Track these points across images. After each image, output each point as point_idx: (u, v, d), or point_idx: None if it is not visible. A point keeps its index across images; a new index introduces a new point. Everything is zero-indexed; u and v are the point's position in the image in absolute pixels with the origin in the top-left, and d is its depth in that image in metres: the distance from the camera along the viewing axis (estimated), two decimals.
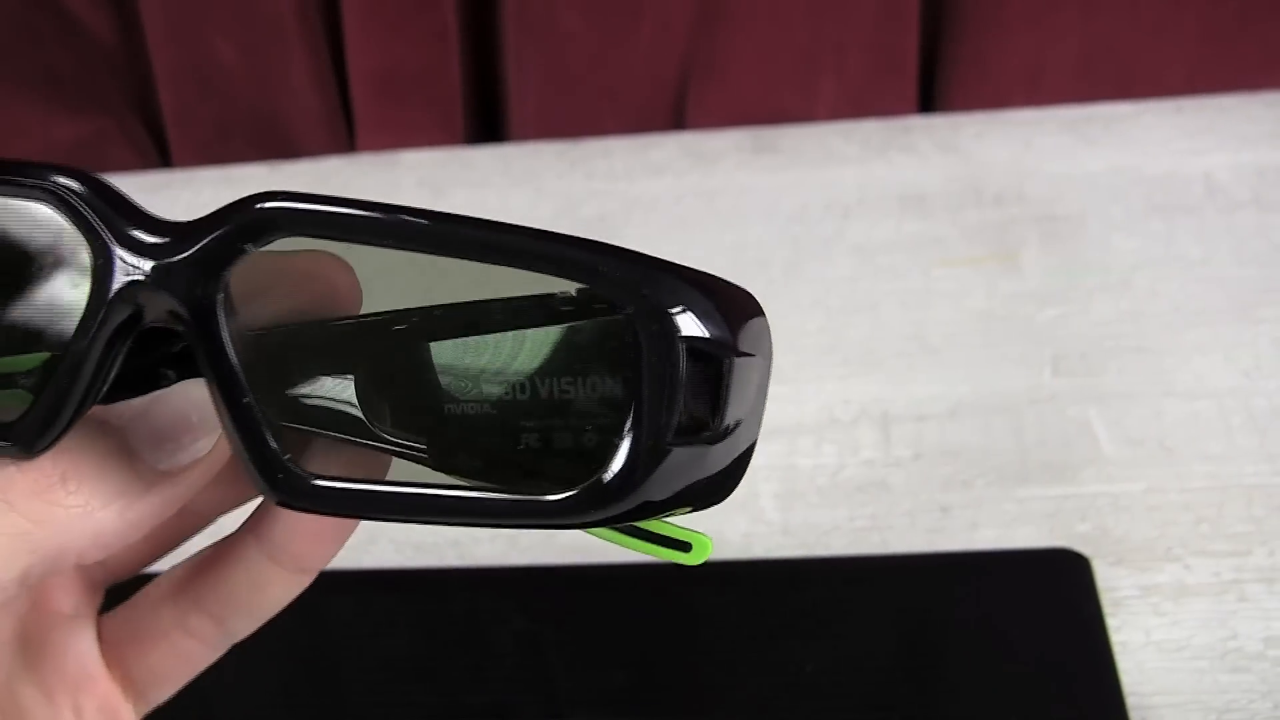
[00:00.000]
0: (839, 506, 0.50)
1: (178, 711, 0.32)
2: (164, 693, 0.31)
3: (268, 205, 0.23)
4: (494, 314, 0.24)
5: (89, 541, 0.24)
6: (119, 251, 0.23)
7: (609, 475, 0.22)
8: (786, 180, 0.67)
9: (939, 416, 0.53)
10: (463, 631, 0.45)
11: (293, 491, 0.23)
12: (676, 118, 0.71)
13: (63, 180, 0.24)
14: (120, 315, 0.23)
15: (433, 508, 0.23)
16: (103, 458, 0.25)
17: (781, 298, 0.59)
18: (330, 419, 0.25)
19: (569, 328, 0.24)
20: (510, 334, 0.24)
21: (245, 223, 0.23)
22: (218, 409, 0.23)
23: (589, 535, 0.24)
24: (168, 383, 0.25)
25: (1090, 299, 0.58)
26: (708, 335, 0.22)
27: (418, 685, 0.44)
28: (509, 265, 0.22)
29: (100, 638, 0.31)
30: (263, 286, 0.24)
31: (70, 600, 0.31)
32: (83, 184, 0.24)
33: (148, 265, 0.23)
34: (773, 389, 0.25)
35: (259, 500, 0.30)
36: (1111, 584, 0.46)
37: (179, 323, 0.23)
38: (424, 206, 0.23)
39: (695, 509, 0.24)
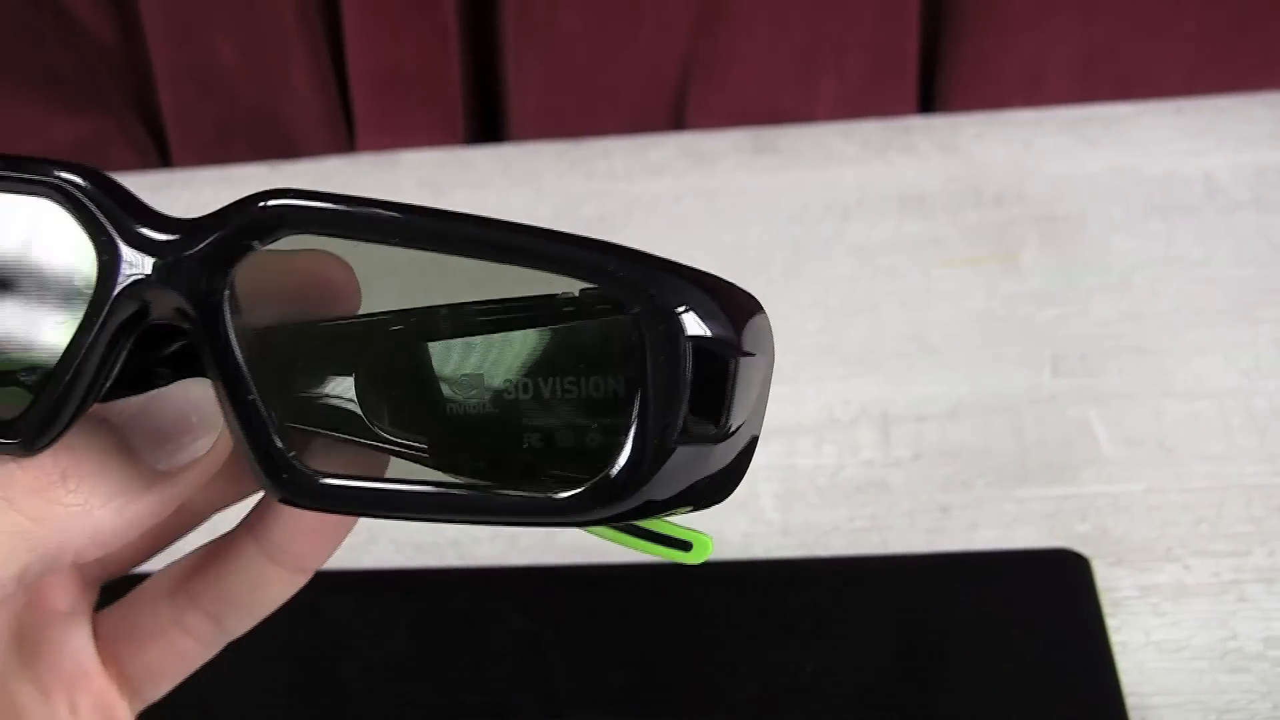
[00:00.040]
0: (839, 507, 0.50)
1: (178, 711, 0.32)
2: (159, 690, 0.31)
3: (275, 203, 0.23)
4: (496, 314, 0.24)
5: (87, 539, 0.24)
6: (125, 248, 0.23)
7: (615, 473, 0.22)
8: (786, 180, 0.67)
9: (939, 417, 0.53)
10: (463, 631, 0.45)
11: (298, 489, 0.23)
12: (676, 118, 0.71)
13: (68, 176, 0.24)
14: (125, 312, 0.23)
15: (441, 505, 0.23)
16: (103, 456, 0.25)
17: (781, 298, 0.59)
18: (332, 418, 0.25)
19: (572, 327, 0.24)
20: (513, 334, 0.24)
21: (252, 220, 0.23)
22: (222, 407, 0.23)
23: (589, 535, 0.25)
24: (163, 382, 0.25)
25: (1090, 299, 0.58)
26: (713, 335, 0.22)
27: (418, 685, 0.44)
28: (516, 264, 0.22)
29: (96, 635, 0.31)
30: (266, 285, 0.24)
31: (66, 597, 0.31)
32: (88, 180, 0.24)
33: (154, 262, 0.23)
34: (773, 389, 0.25)
35: (255, 498, 0.30)
36: (1111, 584, 0.46)
37: (185, 320, 0.23)
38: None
39: (697, 508, 0.24)
